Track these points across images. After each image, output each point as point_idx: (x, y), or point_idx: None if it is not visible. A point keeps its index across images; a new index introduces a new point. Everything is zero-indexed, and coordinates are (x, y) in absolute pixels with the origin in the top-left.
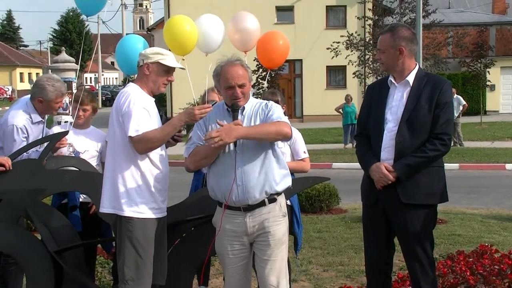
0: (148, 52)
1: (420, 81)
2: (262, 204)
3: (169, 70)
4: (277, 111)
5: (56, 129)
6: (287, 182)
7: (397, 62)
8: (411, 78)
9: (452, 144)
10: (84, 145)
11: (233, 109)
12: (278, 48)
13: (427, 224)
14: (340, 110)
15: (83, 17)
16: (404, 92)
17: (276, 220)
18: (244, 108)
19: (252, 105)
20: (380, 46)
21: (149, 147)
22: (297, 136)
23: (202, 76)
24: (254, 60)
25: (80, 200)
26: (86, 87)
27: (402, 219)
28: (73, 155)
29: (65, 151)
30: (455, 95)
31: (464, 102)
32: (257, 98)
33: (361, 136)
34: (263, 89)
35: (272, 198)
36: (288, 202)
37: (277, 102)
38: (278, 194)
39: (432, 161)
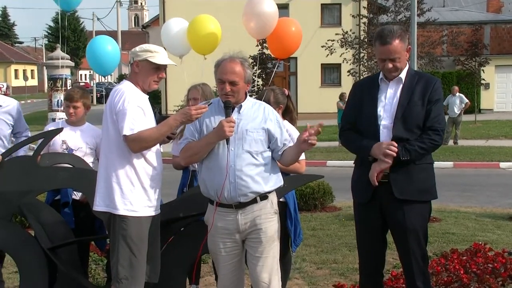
0: (137, 49)
1: (412, 79)
2: (253, 201)
3: (159, 68)
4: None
5: (51, 126)
6: (279, 181)
7: (406, 62)
8: (403, 75)
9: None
10: (77, 142)
11: (226, 106)
12: (292, 35)
13: (423, 220)
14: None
15: (78, 14)
16: (397, 89)
17: (268, 217)
18: (241, 106)
19: (250, 105)
20: (394, 55)
21: (143, 146)
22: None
23: (198, 74)
24: (249, 56)
25: (73, 197)
26: (81, 84)
27: (400, 216)
28: (67, 152)
29: (58, 148)
30: (457, 93)
31: (467, 100)
32: (251, 96)
33: (348, 130)
34: (258, 87)
35: (263, 196)
36: (282, 199)
37: (267, 102)
38: (270, 192)
39: (428, 151)
